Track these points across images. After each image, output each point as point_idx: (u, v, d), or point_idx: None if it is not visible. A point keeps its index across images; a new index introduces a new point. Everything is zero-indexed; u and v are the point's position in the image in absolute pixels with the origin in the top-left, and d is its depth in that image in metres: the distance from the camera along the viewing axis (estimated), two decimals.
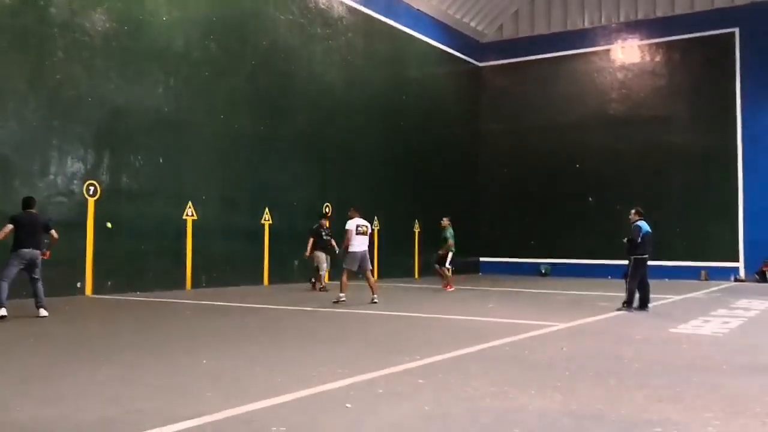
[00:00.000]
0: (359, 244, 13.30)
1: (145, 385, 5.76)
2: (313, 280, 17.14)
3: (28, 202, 10.91)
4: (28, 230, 10.62)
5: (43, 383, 5.88)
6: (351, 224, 13.35)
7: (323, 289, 16.36)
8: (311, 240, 16.95)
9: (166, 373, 6.33)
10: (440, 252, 17.73)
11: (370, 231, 13.65)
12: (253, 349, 7.82)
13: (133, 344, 8.11)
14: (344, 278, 13.27)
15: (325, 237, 16.99)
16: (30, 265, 10.66)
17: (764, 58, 23.93)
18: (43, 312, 10.54)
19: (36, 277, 10.72)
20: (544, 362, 7.04)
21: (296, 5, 19.98)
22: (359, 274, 13.66)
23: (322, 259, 16.88)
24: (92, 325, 10.30)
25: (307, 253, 16.94)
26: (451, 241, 17.53)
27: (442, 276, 17.69)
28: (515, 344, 8.32)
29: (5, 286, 10.39)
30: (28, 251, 10.56)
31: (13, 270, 10.58)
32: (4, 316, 10.11)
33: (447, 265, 17.64)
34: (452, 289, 17.28)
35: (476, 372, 6.43)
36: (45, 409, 4.96)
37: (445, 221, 17.84)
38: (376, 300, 13.24)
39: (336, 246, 16.61)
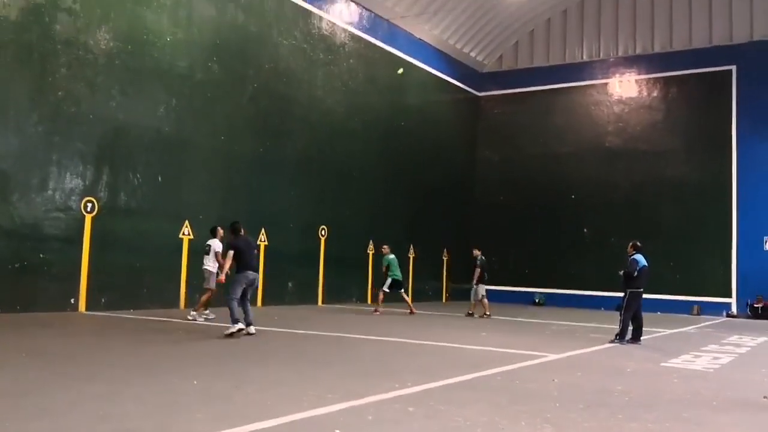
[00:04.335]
0: (204, 263, 13.95)
1: (135, 404, 5.76)
2: (472, 311, 18.59)
3: (238, 227, 11.63)
4: (249, 253, 11.43)
5: (33, 399, 5.87)
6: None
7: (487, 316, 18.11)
8: (479, 271, 18.48)
9: (157, 393, 6.33)
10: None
11: (214, 251, 13.81)
12: (244, 370, 7.82)
13: (125, 362, 8.10)
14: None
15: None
16: (249, 286, 11.37)
17: (761, 95, 24.15)
18: (252, 329, 11.09)
19: (248, 297, 11.43)
20: (536, 393, 7.06)
21: (299, 31, 20.19)
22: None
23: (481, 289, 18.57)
24: (84, 342, 10.28)
25: (474, 283, 18.51)
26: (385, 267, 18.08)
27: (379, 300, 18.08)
28: (507, 374, 8.33)
29: (235, 304, 11.05)
30: (252, 273, 11.30)
31: (239, 289, 11.19)
32: (242, 329, 10.85)
33: (384, 288, 17.99)
34: (378, 313, 17.48)
35: (467, 401, 6.44)
36: (35, 425, 4.96)
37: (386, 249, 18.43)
38: (190, 317, 13.48)
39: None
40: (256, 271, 11.57)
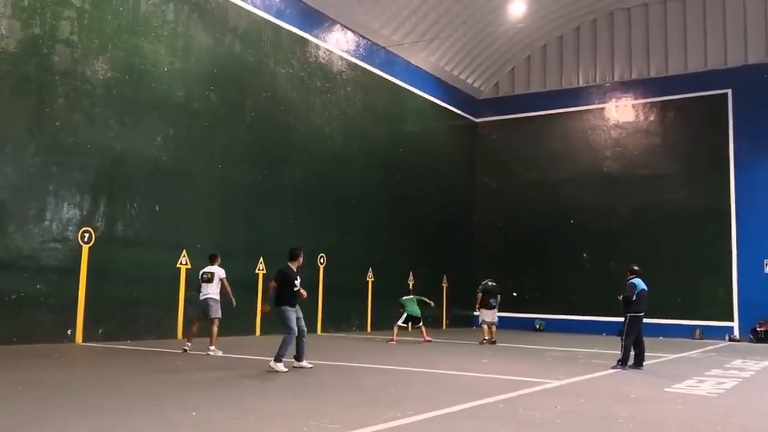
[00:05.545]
0: (203, 292, 13.33)
1: None
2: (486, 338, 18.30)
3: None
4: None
5: (30, 431, 5.78)
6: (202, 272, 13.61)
7: (488, 342, 18.02)
8: (480, 296, 18.55)
9: (155, 425, 6.23)
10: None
11: (219, 277, 13.29)
12: (243, 400, 7.72)
13: (122, 394, 8.00)
14: (193, 327, 13.63)
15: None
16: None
17: (757, 118, 24.22)
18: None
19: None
20: (538, 421, 6.96)
21: (296, 59, 20.30)
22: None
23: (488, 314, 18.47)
24: (82, 374, 10.17)
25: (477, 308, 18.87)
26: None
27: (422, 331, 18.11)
28: (509, 401, 8.22)
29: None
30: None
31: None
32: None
33: (399, 323, 18.05)
34: (394, 343, 17.45)
35: (469, 430, 6.35)
36: None
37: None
38: (210, 351, 12.81)
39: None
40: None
